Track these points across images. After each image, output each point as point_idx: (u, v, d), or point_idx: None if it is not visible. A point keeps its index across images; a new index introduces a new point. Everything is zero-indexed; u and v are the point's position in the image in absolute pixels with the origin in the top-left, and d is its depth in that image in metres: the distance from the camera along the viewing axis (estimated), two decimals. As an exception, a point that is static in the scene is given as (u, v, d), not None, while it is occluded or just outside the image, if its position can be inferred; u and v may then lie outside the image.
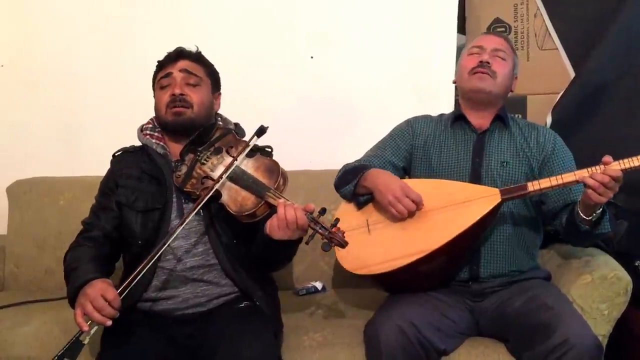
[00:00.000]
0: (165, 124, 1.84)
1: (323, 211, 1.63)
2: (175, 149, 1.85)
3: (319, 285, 2.29)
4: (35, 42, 2.63)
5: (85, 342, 1.50)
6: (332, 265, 2.31)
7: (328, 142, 2.55)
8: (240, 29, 2.57)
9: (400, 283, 1.82)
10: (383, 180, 1.83)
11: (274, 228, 1.60)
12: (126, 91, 2.61)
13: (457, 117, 1.98)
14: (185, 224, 1.64)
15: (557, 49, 2.40)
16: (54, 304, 2.13)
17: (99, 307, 1.48)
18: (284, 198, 1.63)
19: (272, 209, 1.65)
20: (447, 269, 1.84)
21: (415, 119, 2.07)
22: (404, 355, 1.63)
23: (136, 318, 1.71)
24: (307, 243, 1.63)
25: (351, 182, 1.90)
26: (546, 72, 2.40)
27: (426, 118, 2.07)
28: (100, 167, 2.36)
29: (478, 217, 1.75)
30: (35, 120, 2.65)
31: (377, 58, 2.59)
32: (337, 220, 1.63)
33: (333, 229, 1.60)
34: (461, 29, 2.53)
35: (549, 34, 2.41)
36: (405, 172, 2.03)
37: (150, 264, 1.60)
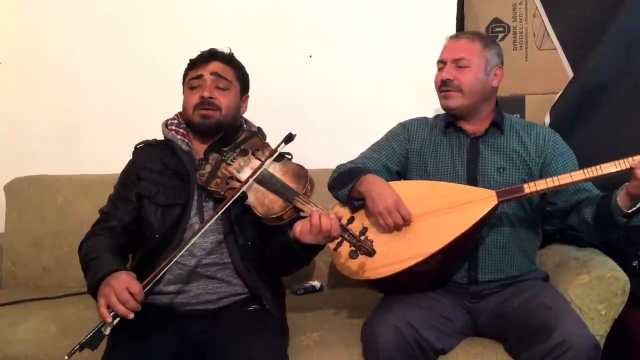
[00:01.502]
0: (192, 124, 1.86)
1: (352, 219, 1.66)
2: (199, 147, 1.87)
3: (316, 284, 2.30)
4: (34, 40, 2.63)
5: (107, 333, 1.52)
6: (330, 265, 2.31)
7: (326, 142, 2.55)
8: (238, 28, 2.57)
9: (397, 286, 1.81)
10: (378, 189, 1.82)
11: (306, 232, 1.62)
12: (125, 90, 2.61)
13: (448, 124, 1.96)
14: (213, 220, 1.66)
15: (555, 49, 2.39)
16: (51, 303, 2.14)
17: (123, 300, 1.50)
18: (313, 204, 1.65)
19: (298, 213, 1.67)
20: (443, 270, 1.84)
21: (411, 122, 2.06)
22: (401, 355, 1.63)
23: (146, 311, 1.70)
24: (335, 250, 1.66)
25: (347, 186, 1.89)
26: (545, 72, 2.39)
27: (421, 121, 2.05)
28: (98, 166, 2.37)
29: (475, 220, 1.74)
30: (34, 118, 2.66)
31: (375, 57, 2.59)
32: (366, 229, 1.65)
33: (362, 238, 1.62)
34: (460, 28, 2.53)
35: (548, 34, 2.40)
36: (399, 176, 2.02)
37: (176, 259, 1.61)
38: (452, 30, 2.51)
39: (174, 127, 1.89)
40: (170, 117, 1.94)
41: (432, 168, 1.94)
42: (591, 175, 1.70)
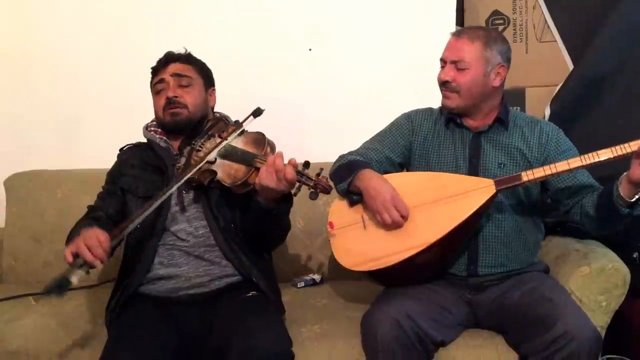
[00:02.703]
0: (164, 125, 1.94)
1: (307, 164, 1.70)
2: (176, 145, 1.95)
3: (316, 277, 2.30)
4: (33, 34, 2.62)
5: (73, 281, 1.55)
6: (330, 258, 2.31)
7: (327, 135, 2.55)
8: (237, 23, 2.57)
9: (397, 277, 1.82)
10: (375, 185, 1.82)
11: (263, 175, 1.67)
12: (124, 85, 2.60)
13: (449, 120, 1.95)
14: (180, 183, 1.74)
15: (555, 41, 2.39)
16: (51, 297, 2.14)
17: (90, 245, 1.55)
18: None
19: None
20: (442, 261, 1.84)
21: (416, 113, 2.04)
22: (400, 347, 1.63)
23: (142, 303, 1.76)
24: (294, 195, 1.73)
25: (345, 180, 1.88)
26: (545, 64, 2.39)
27: (426, 112, 2.03)
28: (98, 160, 2.36)
29: (474, 210, 1.74)
30: (33, 113, 2.65)
31: (375, 50, 2.58)
32: (322, 169, 1.72)
33: (319, 177, 1.69)
34: (460, 21, 2.52)
35: (548, 26, 2.40)
36: (402, 167, 2.01)
37: (146, 213, 1.68)
38: (452, 23, 2.50)
39: (153, 128, 1.98)
40: (149, 120, 2.01)
41: (435, 161, 1.93)
42: (588, 161, 1.69)
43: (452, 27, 2.49)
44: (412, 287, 1.80)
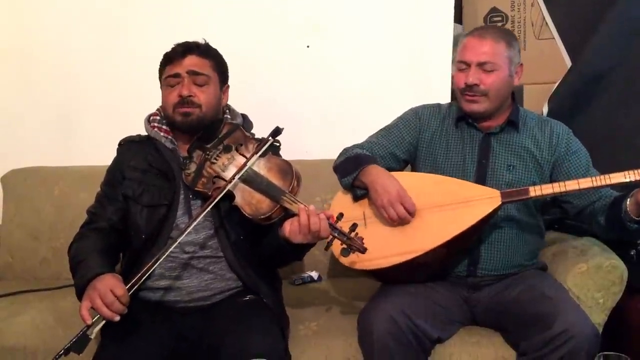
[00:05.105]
0: (174, 123, 1.81)
1: (340, 216, 1.64)
2: (183, 143, 1.83)
3: (314, 274, 2.30)
4: (30, 30, 2.61)
5: (92, 336, 1.51)
6: (328, 255, 2.31)
7: (324, 132, 2.54)
8: (235, 19, 2.56)
9: (396, 276, 1.81)
10: (382, 181, 1.79)
11: (295, 233, 1.60)
12: (122, 81, 2.59)
13: (460, 118, 1.91)
14: (197, 220, 1.64)
15: (553, 38, 2.39)
16: (49, 294, 2.15)
17: (108, 302, 1.49)
18: (300, 202, 1.62)
19: (287, 212, 1.64)
20: (442, 265, 1.83)
21: (424, 109, 2.00)
22: (396, 344, 1.63)
23: (138, 307, 1.68)
24: (326, 249, 1.66)
25: (350, 174, 1.86)
26: (543, 61, 2.39)
27: (434, 109, 1.99)
28: (95, 158, 2.36)
29: (476, 220, 1.73)
30: (30, 109, 2.64)
31: (373, 48, 2.57)
32: (355, 225, 1.64)
33: (352, 235, 1.62)
34: (458, 18, 2.52)
35: (546, 23, 2.40)
36: (406, 163, 2.00)
37: (159, 262, 1.60)
38: (450, 21, 2.49)
39: (156, 124, 1.84)
40: (152, 111, 1.89)
41: (442, 161, 1.91)
42: (599, 184, 1.69)
43: (451, 24, 2.49)
44: (409, 285, 1.80)
